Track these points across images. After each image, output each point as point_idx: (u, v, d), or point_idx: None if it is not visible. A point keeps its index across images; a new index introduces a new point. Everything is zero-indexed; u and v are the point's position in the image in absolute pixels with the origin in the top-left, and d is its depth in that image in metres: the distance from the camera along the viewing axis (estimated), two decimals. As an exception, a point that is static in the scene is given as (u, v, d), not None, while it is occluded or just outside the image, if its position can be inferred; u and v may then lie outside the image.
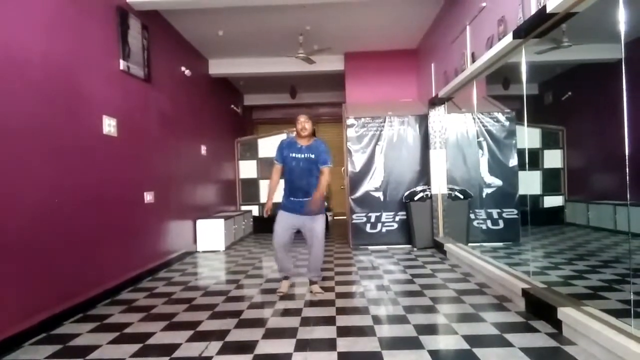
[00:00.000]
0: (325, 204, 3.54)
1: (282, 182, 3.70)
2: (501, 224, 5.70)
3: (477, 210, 5.73)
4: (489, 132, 5.73)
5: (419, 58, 6.88)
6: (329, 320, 2.94)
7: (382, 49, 6.98)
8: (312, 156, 3.55)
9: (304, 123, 3.57)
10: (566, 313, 2.50)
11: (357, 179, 6.12)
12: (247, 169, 8.46)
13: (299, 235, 3.73)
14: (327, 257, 5.37)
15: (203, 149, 6.65)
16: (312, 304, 3.36)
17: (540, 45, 3.67)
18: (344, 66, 7.25)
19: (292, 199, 3.61)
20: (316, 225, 3.60)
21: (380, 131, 6.12)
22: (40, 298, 2.92)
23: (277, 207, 3.67)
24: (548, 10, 2.64)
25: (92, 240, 3.56)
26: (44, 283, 2.96)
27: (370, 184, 6.11)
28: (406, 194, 5.94)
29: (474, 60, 4.14)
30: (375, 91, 7.06)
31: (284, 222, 3.63)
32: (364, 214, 6.09)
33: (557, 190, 6.93)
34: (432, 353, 2.35)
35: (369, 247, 5.99)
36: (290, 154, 3.59)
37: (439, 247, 5.49)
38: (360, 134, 6.12)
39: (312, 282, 3.72)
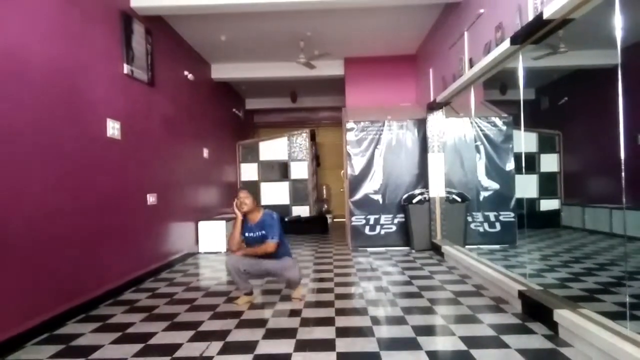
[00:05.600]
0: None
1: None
2: (498, 227, 5.74)
3: (474, 213, 5.77)
4: (486, 136, 5.78)
5: (417, 63, 6.94)
6: (328, 321, 2.98)
7: (381, 55, 7.04)
8: (264, 232, 3.40)
9: (244, 199, 3.38)
10: (562, 315, 2.53)
11: (357, 181, 6.17)
12: (249, 172, 8.60)
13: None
14: (326, 258, 5.43)
15: (205, 152, 6.69)
16: (311, 305, 3.40)
17: (537, 51, 3.72)
18: (344, 71, 7.31)
19: None
20: None
21: (379, 135, 6.17)
22: (43, 298, 2.95)
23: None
24: (545, 16, 2.69)
25: (95, 241, 3.59)
26: (46, 283, 2.99)
27: (370, 187, 6.16)
28: (405, 196, 5.99)
29: (471, 66, 4.19)
30: (374, 96, 7.12)
31: None
32: (363, 216, 6.13)
33: (553, 194, 6.95)
34: (430, 354, 2.38)
35: (368, 249, 6.02)
36: (246, 234, 3.46)
37: (436, 249, 5.53)
38: (359, 137, 6.17)
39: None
